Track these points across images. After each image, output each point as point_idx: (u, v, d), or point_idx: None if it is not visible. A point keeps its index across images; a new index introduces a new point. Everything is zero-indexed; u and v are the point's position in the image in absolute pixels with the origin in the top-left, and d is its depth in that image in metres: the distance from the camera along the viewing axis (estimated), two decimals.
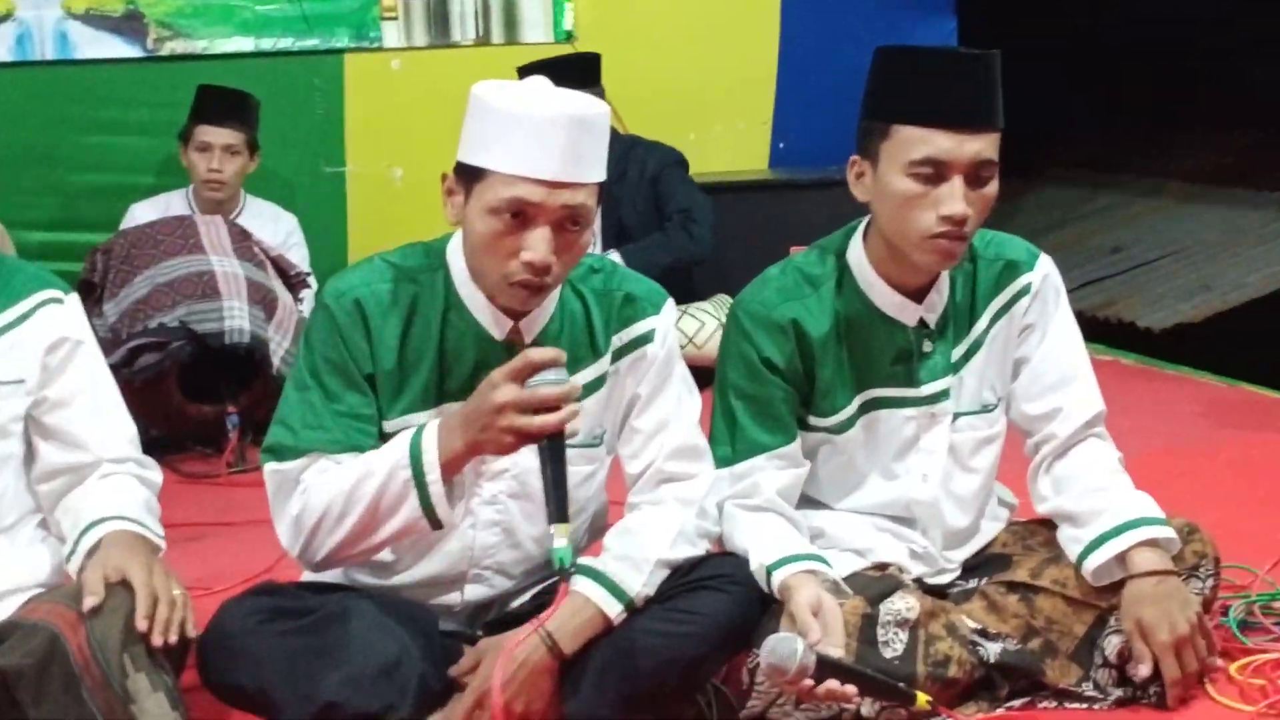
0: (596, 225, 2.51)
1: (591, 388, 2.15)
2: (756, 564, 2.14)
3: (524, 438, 1.90)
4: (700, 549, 2.16)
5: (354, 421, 2.05)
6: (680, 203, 4.74)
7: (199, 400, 4.13)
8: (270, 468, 2.08)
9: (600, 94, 4.78)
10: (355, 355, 2.06)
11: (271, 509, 2.10)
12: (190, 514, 3.62)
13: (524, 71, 4.80)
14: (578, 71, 4.72)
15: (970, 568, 2.34)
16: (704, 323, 4.83)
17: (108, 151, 5.26)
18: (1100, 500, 2.23)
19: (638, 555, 2.08)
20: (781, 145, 5.89)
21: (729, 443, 2.25)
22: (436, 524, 1.99)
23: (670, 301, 2.22)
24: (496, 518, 2.15)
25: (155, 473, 2.24)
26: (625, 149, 4.77)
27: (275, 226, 4.94)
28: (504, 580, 2.18)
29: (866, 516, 2.32)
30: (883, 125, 2.15)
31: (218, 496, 3.81)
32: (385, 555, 2.16)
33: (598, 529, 2.29)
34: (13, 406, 2.11)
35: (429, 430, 1.98)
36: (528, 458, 2.07)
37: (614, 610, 2.03)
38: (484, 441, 1.93)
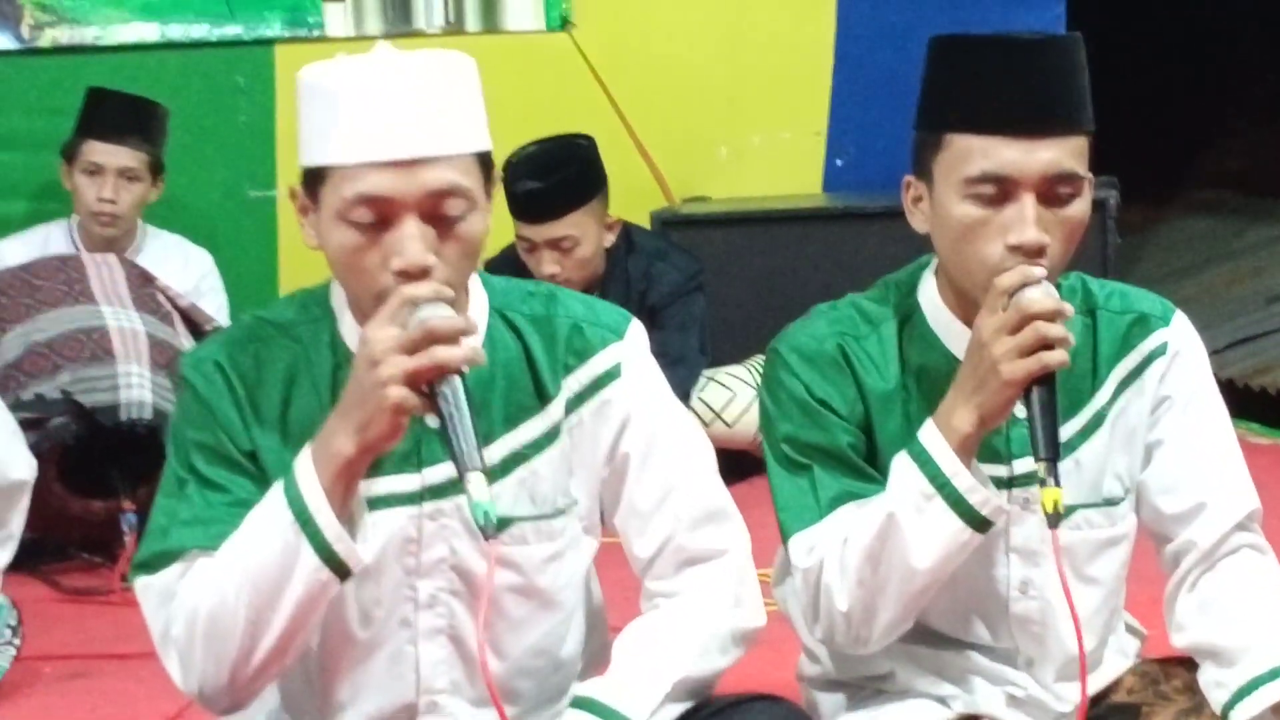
0: None
1: (541, 444, 2.16)
2: None
3: (417, 390, 1.91)
4: (732, 657, 2.17)
5: (244, 511, 2.05)
6: (664, 346, 4.73)
7: (86, 494, 4.16)
8: (140, 584, 2.09)
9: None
10: (228, 429, 2.09)
11: (153, 639, 2.10)
12: (72, 642, 3.65)
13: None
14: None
15: (1089, 719, 2.34)
16: (736, 394, 4.86)
17: None
18: (1254, 631, 2.24)
19: (651, 672, 2.09)
20: (839, 163, 5.94)
21: (809, 500, 2.23)
22: (344, 572, 2.00)
23: (637, 324, 2.25)
24: (439, 624, 2.15)
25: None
26: (645, 266, 4.83)
27: (185, 267, 5.01)
28: (468, 708, 2.17)
29: (948, 649, 2.32)
30: (935, 136, 2.19)
31: (110, 619, 3.83)
32: (308, 701, 2.16)
33: (598, 646, 2.29)
34: None
35: (302, 454, 1.99)
36: (463, 540, 2.10)
37: None
38: (367, 419, 1.93)
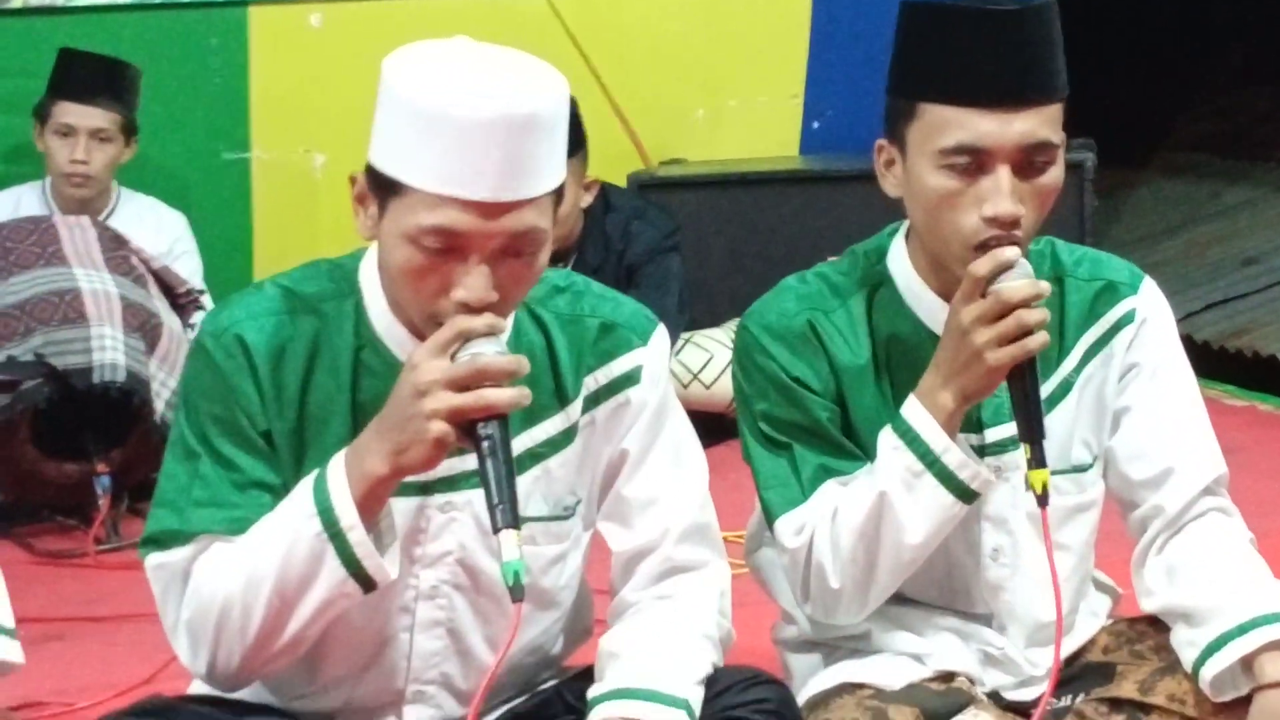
0: None
1: (558, 444, 2.16)
2: None
3: (458, 426, 1.90)
4: (720, 658, 2.18)
5: (258, 493, 2.05)
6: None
7: (59, 457, 4.15)
8: (152, 561, 2.08)
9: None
10: (246, 408, 2.06)
11: (161, 617, 2.10)
12: (47, 605, 3.64)
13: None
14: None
15: (1062, 680, 2.36)
16: (713, 354, 4.88)
17: None
18: (1221, 592, 2.26)
19: (682, 666, 2.10)
20: (816, 125, 5.95)
21: (792, 479, 2.25)
22: (369, 584, 2.00)
23: (662, 330, 2.23)
24: (438, 615, 2.15)
25: None
26: (622, 226, 4.84)
27: (158, 230, 4.99)
28: (453, 701, 2.18)
29: (923, 608, 2.34)
30: (908, 104, 2.18)
31: (84, 582, 3.84)
32: (295, 677, 2.15)
33: (580, 630, 2.31)
34: None
35: (334, 462, 1.98)
36: (472, 535, 2.10)
37: None
38: (406, 444, 1.92)
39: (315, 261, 2.17)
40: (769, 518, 2.27)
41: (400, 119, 1.95)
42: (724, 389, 4.79)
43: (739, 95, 5.90)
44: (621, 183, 5.38)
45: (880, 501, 2.18)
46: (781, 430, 2.27)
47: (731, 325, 4.95)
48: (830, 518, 2.22)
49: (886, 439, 2.20)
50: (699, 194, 5.56)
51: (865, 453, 2.26)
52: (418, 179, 1.93)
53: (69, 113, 4.80)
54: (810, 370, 2.26)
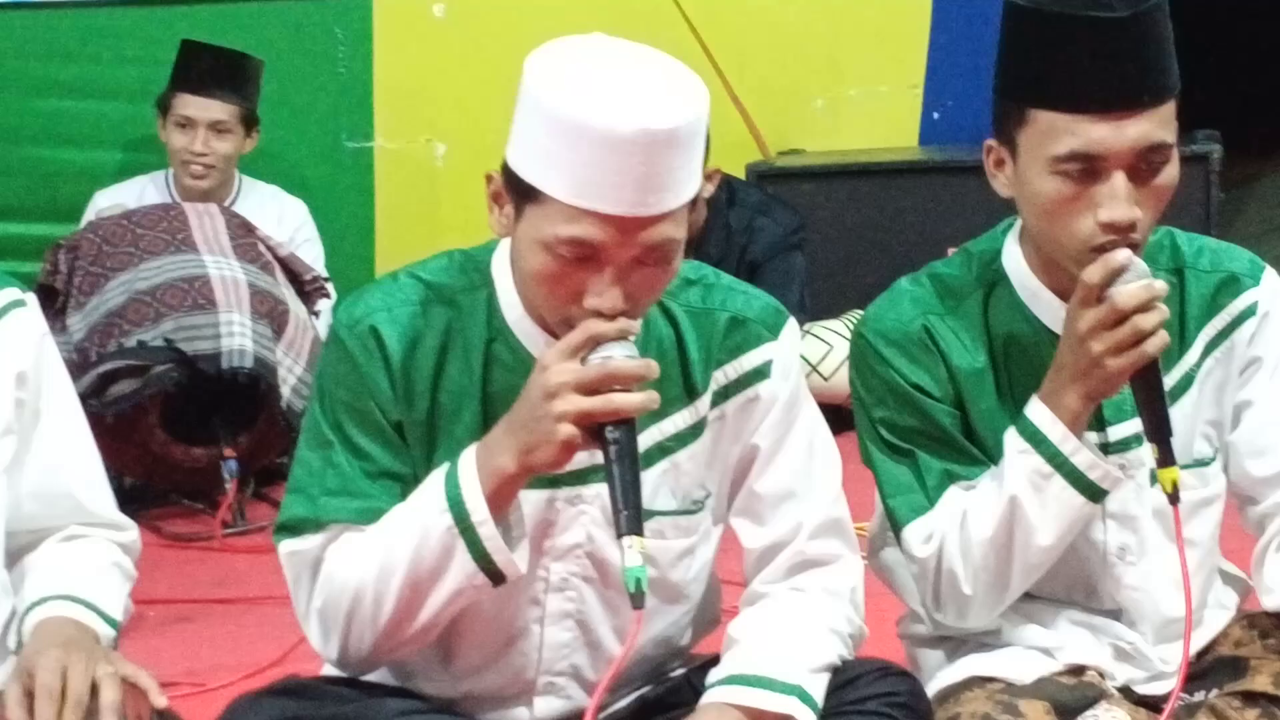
0: None
1: (686, 438, 2.15)
2: None
3: (586, 429, 1.92)
4: (850, 653, 2.18)
5: (389, 483, 2.08)
6: None
7: (188, 441, 4.23)
8: (285, 548, 2.11)
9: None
10: (378, 399, 2.07)
11: (294, 603, 2.14)
12: (177, 588, 3.70)
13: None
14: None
15: (1194, 674, 2.35)
16: (832, 346, 4.87)
17: (69, 121, 5.40)
18: None
19: (800, 654, 2.10)
20: (936, 116, 5.92)
21: (916, 486, 2.24)
22: (498, 577, 2.02)
23: (792, 323, 2.22)
24: (568, 608, 2.16)
25: (132, 535, 2.29)
26: (746, 220, 4.83)
27: (280, 218, 5.06)
28: (582, 692, 2.19)
29: (1052, 603, 2.34)
30: (1017, 108, 2.14)
31: (212, 565, 3.91)
32: (428, 665, 2.18)
33: (708, 620, 2.32)
34: None
35: (465, 457, 2.00)
36: (600, 528, 2.11)
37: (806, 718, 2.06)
38: (534, 444, 1.94)
39: (449, 252, 2.18)
40: (895, 526, 2.27)
41: (540, 125, 1.94)
42: (843, 380, 4.73)
43: (859, 85, 5.89)
44: (740, 173, 5.38)
45: (1010, 506, 2.17)
46: (903, 437, 2.26)
47: (851, 316, 4.95)
48: (959, 524, 2.21)
49: (1013, 442, 2.19)
50: (818, 184, 5.56)
51: (987, 455, 2.25)
52: (556, 189, 1.93)
53: (189, 105, 4.88)
54: (929, 376, 2.25)
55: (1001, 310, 2.28)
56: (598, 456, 2.01)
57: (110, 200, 4.95)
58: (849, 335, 4.90)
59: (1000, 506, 2.18)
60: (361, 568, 2.04)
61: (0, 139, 5.37)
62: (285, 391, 4.23)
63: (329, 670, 2.22)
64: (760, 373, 2.17)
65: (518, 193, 1.98)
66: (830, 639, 2.14)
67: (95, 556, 2.20)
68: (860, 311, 4.84)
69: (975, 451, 2.26)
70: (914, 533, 2.24)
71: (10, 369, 2.15)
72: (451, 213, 5.42)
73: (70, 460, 2.21)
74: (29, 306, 2.20)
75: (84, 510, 2.22)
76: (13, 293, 2.19)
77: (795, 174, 5.61)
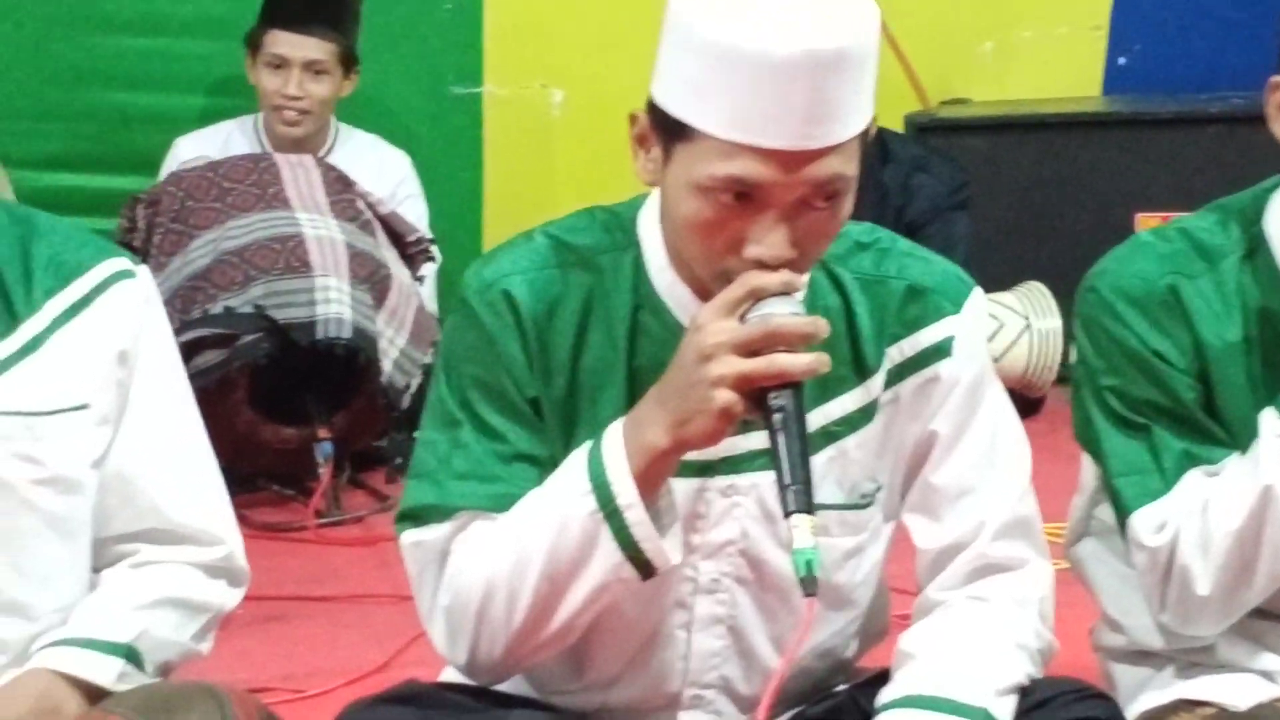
0: None
1: (855, 422, 2.14)
2: None
3: (746, 395, 1.90)
4: (1038, 671, 2.15)
5: (524, 466, 2.07)
6: None
7: (278, 420, 4.27)
8: (408, 539, 2.11)
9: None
10: (513, 374, 2.07)
11: (416, 601, 2.14)
12: (266, 583, 3.69)
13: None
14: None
15: None
16: (1004, 323, 4.83)
17: (145, 61, 5.45)
18: None
19: (985, 673, 2.08)
20: (1123, 61, 5.86)
21: (1151, 467, 2.22)
22: (647, 569, 2.01)
23: (978, 294, 2.19)
24: (719, 612, 2.15)
25: (220, 551, 2.25)
26: (902, 178, 4.80)
27: (379, 171, 5.07)
28: (733, 708, 2.19)
29: (1275, 622, 2.30)
30: None
31: (304, 558, 3.94)
32: (562, 676, 2.18)
33: (875, 632, 2.31)
34: (75, 447, 2.11)
35: (610, 434, 1.99)
36: (757, 523, 2.10)
37: None
38: (689, 414, 1.92)
39: (589, 209, 2.17)
40: (1122, 510, 2.24)
41: (689, 54, 1.94)
42: (1014, 362, 4.75)
43: (1033, 25, 5.85)
44: (897, 125, 5.36)
45: (1264, 496, 2.13)
46: (1137, 410, 2.23)
47: (1024, 290, 4.90)
48: (1199, 514, 2.17)
49: (1270, 424, 2.15)
50: (985, 139, 5.53)
51: (1234, 439, 2.22)
52: (709, 123, 1.92)
53: (282, 43, 4.89)
54: (1171, 344, 2.22)
55: (1263, 279, 2.25)
56: (753, 441, 2.02)
57: (192, 149, 4.99)
58: (1022, 311, 4.93)
59: (1252, 496, 2.14)
60: (494, 560, 2.04)
61: (69, 81, 5.41)
62: (386, 366, 4.25)
63: (449, 675, 2.24)
64: (941, 350, 2.14)
65: (666, 132, 1.98)
66: (1017, 655, 2.12)
67: (147, 589, 2.16)
68: (1036, 284, 4.85)
69: (1220, 432, 2.23)
70: (1145, 519, 2.21)
71: (111, 348, 2.15)
72: (569, 168, 5.44)
73: (156, 457, 2.18)
74: (139, 279, 2.19)
75: (164, 518, 2.18)
76: (120, 262, 2.18)
77: (959, 126, 5.59)
